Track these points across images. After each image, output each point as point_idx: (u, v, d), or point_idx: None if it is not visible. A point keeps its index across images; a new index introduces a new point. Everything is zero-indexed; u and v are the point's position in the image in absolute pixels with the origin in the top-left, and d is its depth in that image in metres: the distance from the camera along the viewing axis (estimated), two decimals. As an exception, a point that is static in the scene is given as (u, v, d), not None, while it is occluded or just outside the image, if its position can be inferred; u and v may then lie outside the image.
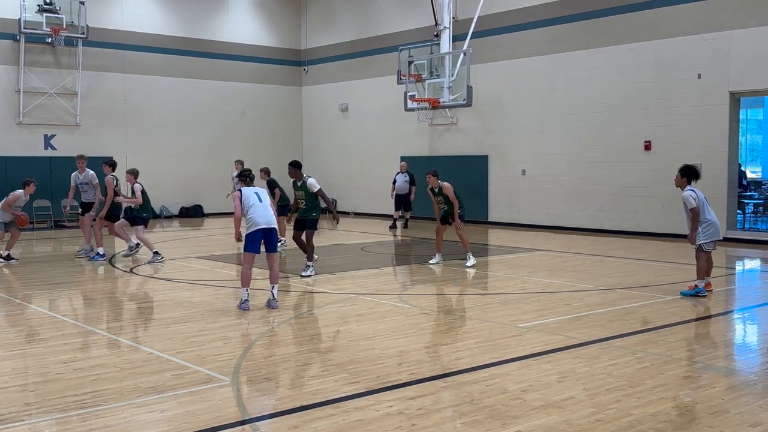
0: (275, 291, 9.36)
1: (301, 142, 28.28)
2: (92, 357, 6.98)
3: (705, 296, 9.88)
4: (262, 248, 9.28)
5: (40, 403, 5.61)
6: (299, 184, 11.71)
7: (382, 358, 6.85)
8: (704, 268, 9.92)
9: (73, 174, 14.83)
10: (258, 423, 5.15)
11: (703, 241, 9.89)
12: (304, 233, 11.90)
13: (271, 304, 9.28)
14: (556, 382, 6.06)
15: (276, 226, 9.34)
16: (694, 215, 9.84)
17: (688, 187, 10.00)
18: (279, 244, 15.01)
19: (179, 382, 6.11)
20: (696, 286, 9.95)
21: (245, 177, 9.64)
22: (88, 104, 23.21)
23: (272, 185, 15.20)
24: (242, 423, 5.13)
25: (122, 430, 5.03)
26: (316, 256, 12.33)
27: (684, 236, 10.51)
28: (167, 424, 5.13)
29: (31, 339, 7.84)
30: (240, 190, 9.31)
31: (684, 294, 9.99)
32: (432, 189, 13.10)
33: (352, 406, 5.46)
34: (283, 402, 5.60)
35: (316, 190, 11.63)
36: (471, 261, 13.08)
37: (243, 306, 9.16)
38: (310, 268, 11.86)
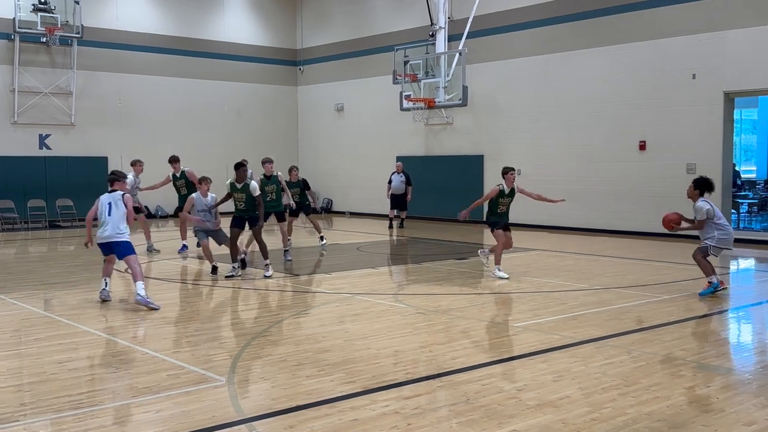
0: (138, 288, 9.31)
1: (297, 141, 28.27)
2: (87, 357, 6.97)
3: (725, 288, 10.01)
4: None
5: (35, 403, 5.59)
6: (239, 186, 11.78)
7: (377, 357, 6.85)
8: (708, 265, 9.97)
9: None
10: (254, 423, 5.15)
11: (713, 245, 9.92)
12: (249, 232, 12.07)
13: (136, 298, 9.35)
14: (551, 381, 6.07)
15: (120, 239, 9.44)
16: (699, 226, 9.96)
17: (701, 199, 10.00)
18: (322, 244, 15.33)
19: (175, 382, 6.11)
20: (710, 283, 9.95)
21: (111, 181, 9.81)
22: (83, 104, 23.17)
23: (306, 185, 15.28)
24: (238, 423, 5.13)
25: (117, 430, 5.03)
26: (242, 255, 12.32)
27: (679, 237, 10.53)
28: (163, 425, 5.12)
29: (26, 339, 7.82)
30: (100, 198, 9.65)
31: (703, 294, 9.95)
32: (503, 191, 12.02)
33: (348, 405, 5.46)
34: (278, 402, 5.59)
35: (256, 195, 11.76)
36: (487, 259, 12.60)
37: (101, 294, 9.70)
38: (270, 267, 11.83)
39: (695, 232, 10.41)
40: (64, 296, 10.54)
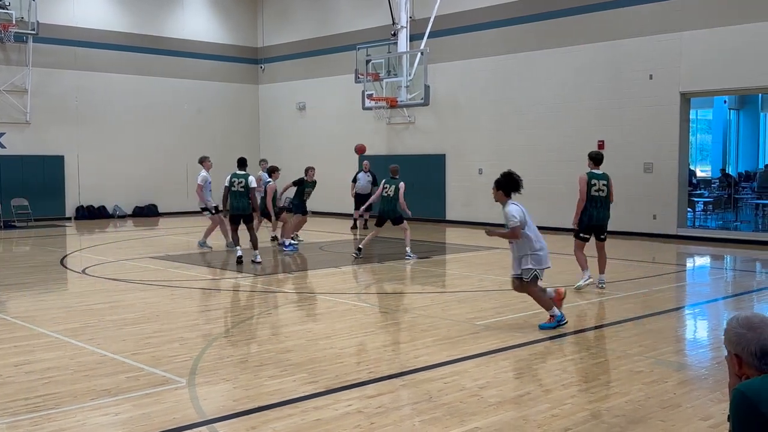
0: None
1: (258, 140, 28.08)
2: (44, 360, 6.83)
3: (566, 323, 7.91)
4: None
5: (-10, 407, 5.47)
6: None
7: (340, 357, 6.84)
8: (545, 298, 7.99)
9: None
10: (215, 424, 5.10)
11: (533, 266, 7.87)
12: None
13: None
14: (512, 378, 6.13)
15: None
16: (513, 235, 7.82)
17: (510, 202, 7.88)
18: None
19: (134, 384, 6.02)
20: (552, 317, 7.92)
21: None
22: (39, 102, 22.72)
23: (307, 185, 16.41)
24: (199, 425, 5.08)
25: (76, 433, 4.94)
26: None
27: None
28: (122, 427, 5.05)
29: (-20, 342, 7.64)
30: None
31: (543, 327, 7.87)
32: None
33: (311, 405, 5.45)
34: (241, 403, 5.55)
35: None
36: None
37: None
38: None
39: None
40: (19, 298, 10.33)
